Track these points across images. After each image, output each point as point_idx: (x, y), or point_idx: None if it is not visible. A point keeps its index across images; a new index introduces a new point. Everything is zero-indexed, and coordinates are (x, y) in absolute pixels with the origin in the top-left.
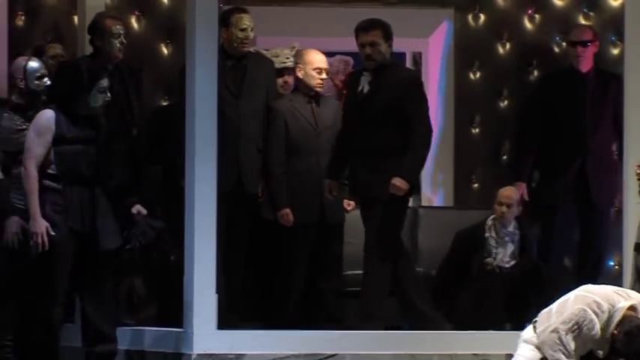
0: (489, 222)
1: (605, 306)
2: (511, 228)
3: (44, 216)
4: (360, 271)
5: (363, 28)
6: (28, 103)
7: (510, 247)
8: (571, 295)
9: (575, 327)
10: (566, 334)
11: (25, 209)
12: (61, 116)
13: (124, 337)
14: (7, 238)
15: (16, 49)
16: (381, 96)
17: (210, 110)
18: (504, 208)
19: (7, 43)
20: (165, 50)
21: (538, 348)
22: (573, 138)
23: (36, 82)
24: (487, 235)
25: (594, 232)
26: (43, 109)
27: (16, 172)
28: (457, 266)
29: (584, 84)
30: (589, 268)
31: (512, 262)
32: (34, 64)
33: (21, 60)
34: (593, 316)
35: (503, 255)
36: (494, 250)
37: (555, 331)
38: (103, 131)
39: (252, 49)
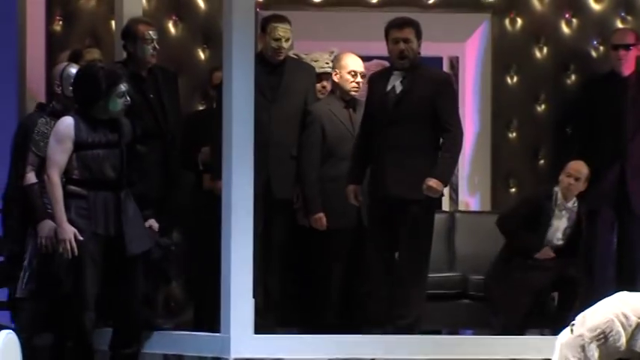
0: (554, 191)
1: (634, 319)
2: (570, 204)
3: (69, 221)
4: None
5: (397, 25)
6: (64, 109)
7: (564, 223)
8: (603, 303)
9: (601, 336)
10: (591, 342)
11: None
12: (80, 122)
13: (161, 341)
14: (40, 242)
15: (53, 54)
16: (415, 95)
17: (247, 116)
18: (572, 180)
19: (44, 48)
20: (202, 55)
21: None
22: (613, 142)
23: (71, 88)
24: (557, 202)
25: (632, 237)
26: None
27: None
28: (516, 222)
29: (626, 88)
30: (627, 273)
31: (561, 242)
32: (71, 70)
33: (60, 66)
34: (620, 329)
35: (556, 229)
36: (551, 222)
37: (581, 336)
38: (125, 135)
39: (292, 54)
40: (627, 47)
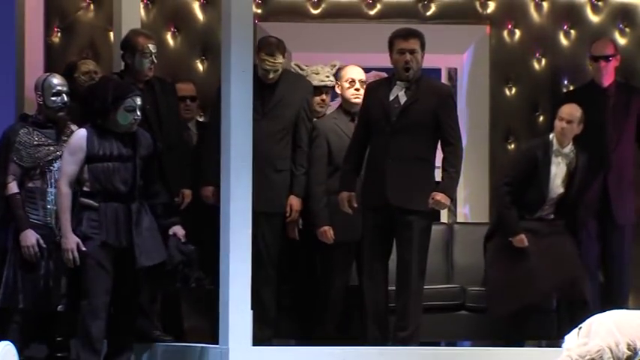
0: (550, 140)
1: (625, 352)
2: (567, 149)
3: (82, 232)
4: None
5: (402, 36)
6: (45, 119)
7: (563, 170)
8: (603, 322)
9: None
10: None
11: (39, 224)
12: (93, 135)
13: (160, 353)
14: (24, 252)
15: (51, 66)
16: (419, 106)
17: (246, 127)
18: (564, 124)
19: (43, 60)
20: (200, 66)
21: None
22: (595, 153)
23: (52, 98)
24: (552, 149)
25: (616, 247)
26: (70, 126)
27: (31, 186)
28: (515, 187)
29: (606, 98)
30: (613, 283)
31: (562, 190)
32: (52, 80)
33: (41, 76)
34: (610, 358)
35: (555, 177)
36: (550, 169)
37: (569, 357)
38: (140, 149)
39: (294, 64)
40: (607, 58)
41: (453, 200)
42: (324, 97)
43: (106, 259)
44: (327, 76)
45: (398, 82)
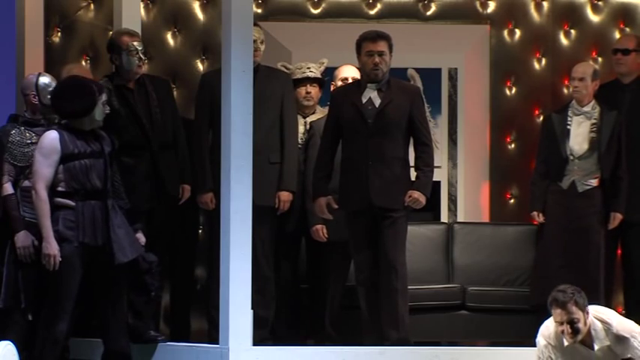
0: (571, 104)
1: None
2: (588, 107)
3: (58, 232)
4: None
5: (371, 38)
6: (42, 118)
7: (586, 128)
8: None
9: None
10: None
11: (35, 223)
12: (65, 135)
13: (159, 353)
14: (19, 252)
15: (51, 65)
16: (393, 107)
17: (246, 126)
18: (577, 82)
19: (43, 60)
20: (200, 66)
21: None
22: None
23: (49, 96)
24: (571, 108)
25: (629, 246)
26: (48, 129)
27: (26, 185)
28: (543, 156)
29: (624, 93)
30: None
31: (586, 147)
32: (45, 79)
33: (32, 76)
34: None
35: (577, 136)
36: (568, 128)
37: None
38: (106, 145)
39: (280, 65)
40: (625, 52)
41: (451, 197)
42: (309, 88)
43: (80, 260)
44: (309, 68)
45: (369, 85)
